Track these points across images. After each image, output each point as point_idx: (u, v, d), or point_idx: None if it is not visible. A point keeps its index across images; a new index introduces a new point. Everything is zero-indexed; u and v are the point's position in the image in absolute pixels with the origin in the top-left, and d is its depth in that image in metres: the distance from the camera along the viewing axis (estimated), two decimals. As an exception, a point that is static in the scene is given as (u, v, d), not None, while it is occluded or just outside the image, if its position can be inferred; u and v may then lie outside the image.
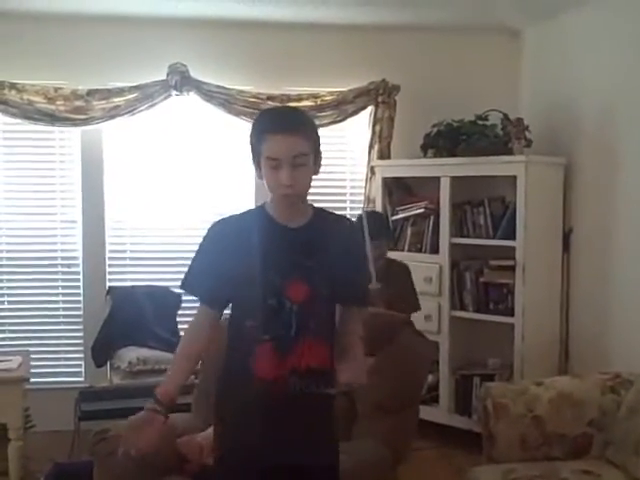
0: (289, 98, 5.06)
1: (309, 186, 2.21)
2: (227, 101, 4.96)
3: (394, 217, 5.01)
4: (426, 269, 4.79)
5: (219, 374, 2.33)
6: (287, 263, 2.18)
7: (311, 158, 2.18)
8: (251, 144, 2.20)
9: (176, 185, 5.11)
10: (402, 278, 4.19)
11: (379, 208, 5.03)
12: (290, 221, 2.23)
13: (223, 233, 2.25)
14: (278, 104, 5.03)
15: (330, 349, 2.23)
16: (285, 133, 2.12)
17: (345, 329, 2.29)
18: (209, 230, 2.26)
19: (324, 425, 2.28)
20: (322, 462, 2.26)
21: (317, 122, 5.03)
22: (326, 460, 2.28)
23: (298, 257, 2.18)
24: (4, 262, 5.06)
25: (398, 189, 5.10)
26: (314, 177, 2.23)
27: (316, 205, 2.33)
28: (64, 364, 5.15)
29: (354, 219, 3.88)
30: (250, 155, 2.21)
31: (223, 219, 2.27)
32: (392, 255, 4.99)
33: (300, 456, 2.21)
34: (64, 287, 5.15)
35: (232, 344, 2.28)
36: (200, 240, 2.26)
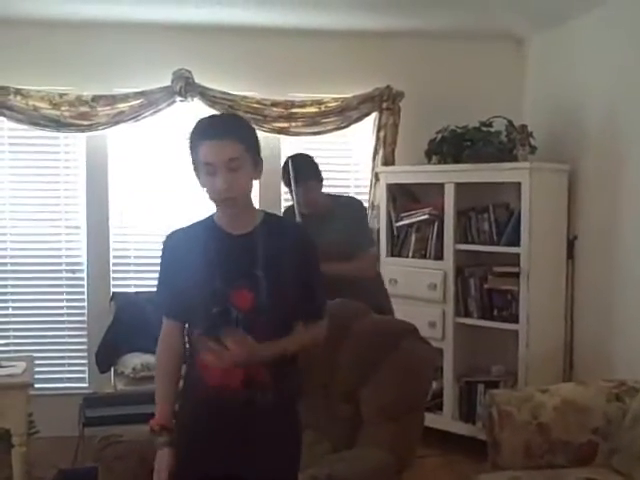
0: (293, 104, 5.07)
1: (249, 190, 2.22)
2: (231, 107, 4.97)
3: (398, 223, 5.01)
4: (430, 275, 4.79)
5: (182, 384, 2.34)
6: (232, 271, 2.18)
7: (248, 162, 2.17)
8: (190, 152, 2.21)
9: (180, 191, 5.12)
10: (350, 214, 3.99)
11: (383, 214, 5.03)
12: (235, 228, 2.24)
13: (173, 246, 2.29)
14: (282, 110, 5.06)
15: (280, 358, 2.19)
16: (217, 138, 2.14)
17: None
18: (162, 244, 2.31)
19: (274, 437, 2.23)
20: (272, 474, 2.22)
21: (321, 128, 5.14)
22: (276, 473, 2.23)
23: (243, 265, 2.18)
24: (9, 267, 5.07)
25: (402, 195, 5.09)
26: (256, 181, 2.23)
27: (269, 211, 2.33)
28: (68, 370, 5.15)
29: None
30: (192, 165, 2.23)
31: (173, 232, 2.32)
32: (396, 262, 5.00)
33: (250, 466, 2.20)
34: (68, 293, 5.15)
35: (188, 353, 2.30)
36: None
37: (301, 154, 4.10)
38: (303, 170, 3.87)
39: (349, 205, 4.09)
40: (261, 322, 2.16)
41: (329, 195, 4.07)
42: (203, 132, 2.17)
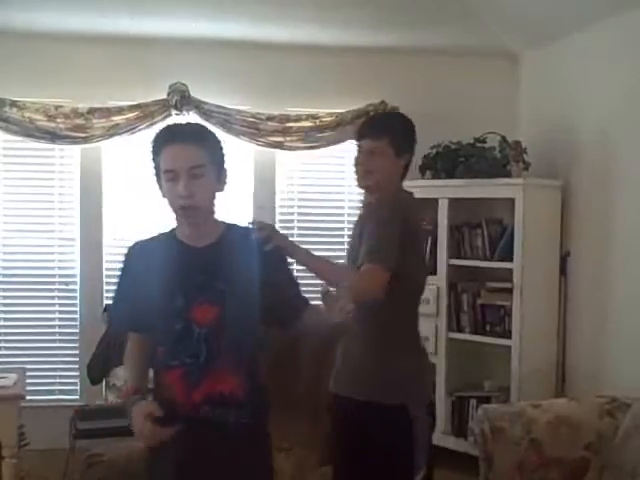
0: (288, 118, 5.09)
1: (211, 201, 2.13)
2: (226, 121, 4.98)
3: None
4: (423, 290, 4.79)
5: None
6: (192, 285, 2.08)
7: (211, 171, 2.08)
8: (152, 160, 2.13)
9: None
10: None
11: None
12: (196, 240, 2.14)
13: (133, 258, 2.21)
14: (277, 124, 5.07)
15: (247, 375, 2.11)
16: (181, 143, 2.05)
17: None
18: (124, 255, 2.23)
19: (241, 458, 2.11)
20: None
21: (316, 143, 5.15)
22: None
23: (205, 278, 2.08)
24: (1, 279, 5.05)
25: (396, 210, 5.09)
26: (221, 193, 2.16)
27: (230, 222, 2.24)
28: (60, 382, 5.13)
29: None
30: (153, 172, 2.15)
31: (135, 242, 2.24)
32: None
33: None
34: (61, 305, 5.14)
35: (154, 372, 2.23)
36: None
37: None
38: None
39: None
40: (225, 337, 2.07)
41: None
42: (165, 137, 2.09)
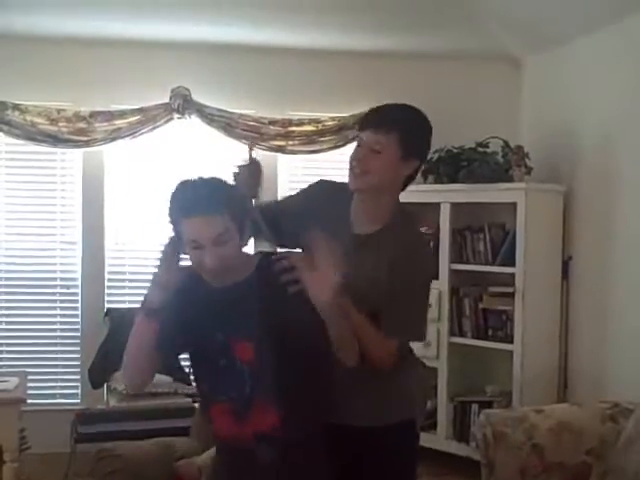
0: (291, 122, 5.09)
1: (237, 259, 2.03)
2: (228, 125, 4.99)
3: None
4: (425, 295, 4.78)
5: None
6: (231, 322, 2.03)
7: (234, 231, 1.99)
8: (170, 222, 2.05)
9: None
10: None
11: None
12: (223, 281, 2.05)
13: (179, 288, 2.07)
14: (280, 128, 5.07)
15: (283, 414, 2.03)
16: (202, 215, 1.95)
17: None
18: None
19: None
20: None
21: (318, 147, 5.15)
22: None
23: (241, 315, 2.03)
24: (3, 282, 5.05)
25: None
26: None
27: (267, 251, 2.16)
28: (61, 385, 5.13)
29: None
30: (171, 227, 2.06)
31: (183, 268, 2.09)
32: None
33: None
34: (62, 308, 5.14)
35: (204, 408, 2.21)
36: None
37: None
38: None
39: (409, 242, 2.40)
40: (263, 373, 2.01)
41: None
42: (184, 208, 1.99)
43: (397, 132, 2.25)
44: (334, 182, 2.45)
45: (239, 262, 2.05)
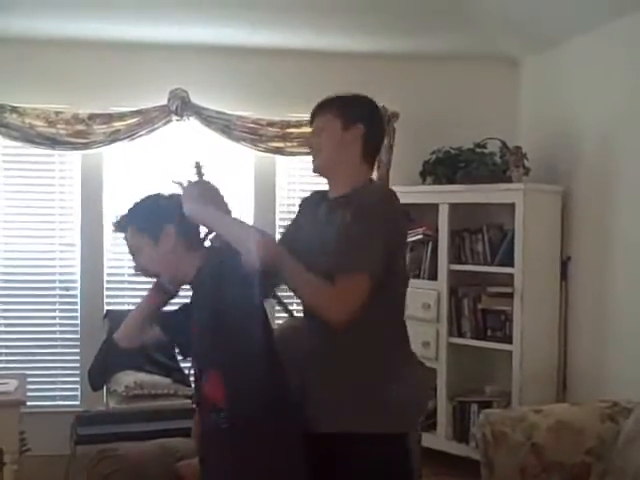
0: (289, 124, 5.09)
1: (160, 262, 2.42)
2: (227, 127, 4.99)
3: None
4: (424, 295, 4.79)
5: None
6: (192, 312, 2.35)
7: (147, 241, 2.43)
8: None
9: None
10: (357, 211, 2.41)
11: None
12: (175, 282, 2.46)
13: None
14: (278, 130, 5.08)
15: (227, 390, 2.22)
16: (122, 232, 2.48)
17: None
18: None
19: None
20: None
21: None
22: None
23: (194, 305, 2.34)
24: (1, 284, 5.05)
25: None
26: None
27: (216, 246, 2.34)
28: (60, 387, 5.12)
29: None
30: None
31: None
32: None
33: None
34: (61, 310, 5.14)
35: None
36: None
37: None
38: None
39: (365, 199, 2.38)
40: (204, 350, 2.29)
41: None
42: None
43: (333, 107, 2.43)
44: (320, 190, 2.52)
45: (173, 265, 2.39)
